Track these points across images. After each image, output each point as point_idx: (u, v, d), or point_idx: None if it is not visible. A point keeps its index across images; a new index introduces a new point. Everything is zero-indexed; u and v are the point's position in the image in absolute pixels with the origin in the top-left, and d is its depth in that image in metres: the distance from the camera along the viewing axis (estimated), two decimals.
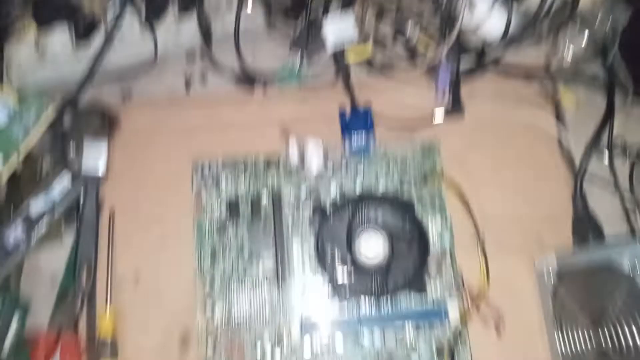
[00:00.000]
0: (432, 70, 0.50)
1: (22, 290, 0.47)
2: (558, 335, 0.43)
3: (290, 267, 0.47)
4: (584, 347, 0.40)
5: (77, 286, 0.46)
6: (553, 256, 0.44)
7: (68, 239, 0.48)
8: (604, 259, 0.37)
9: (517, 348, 0.45)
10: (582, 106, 0.50)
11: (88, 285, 0.46)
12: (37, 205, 0.47)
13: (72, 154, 0.49)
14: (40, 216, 0.47)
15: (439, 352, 0.45)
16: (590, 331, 0.39)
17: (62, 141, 0.49)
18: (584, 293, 0.40)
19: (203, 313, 0.46)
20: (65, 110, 0.49)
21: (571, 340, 0.41)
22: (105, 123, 0.50)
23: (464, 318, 0.45)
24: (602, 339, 0.37)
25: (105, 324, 0.45)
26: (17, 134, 0.47)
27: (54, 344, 0.44)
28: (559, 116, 0.50)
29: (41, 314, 0.46)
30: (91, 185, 0.48)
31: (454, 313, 0.45)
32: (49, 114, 0.48)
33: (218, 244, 0.47)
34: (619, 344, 0.36)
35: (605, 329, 0.37)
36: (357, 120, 0.49)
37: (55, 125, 0.49)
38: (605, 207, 0.47)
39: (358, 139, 0.49)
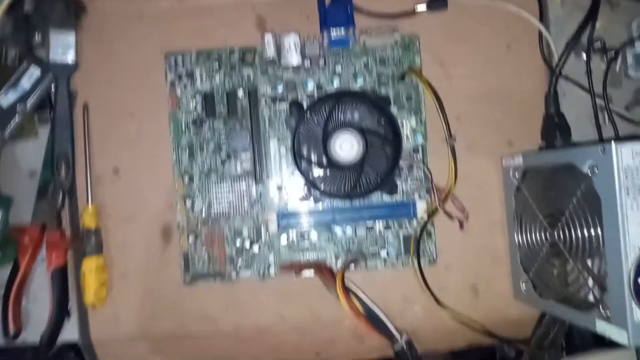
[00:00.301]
0: None
1: (2, 187, 0.47)
2: (517, 229, 0.46)
3: (268, 164, 0.48)
4: (539, 240, 0.43)
5: (57, 181, 0.47)
6: (519, 155, 0.45)
7: (43, 136, 0.48)
8: (566, 161, 0.39)
9: (478, 241, 0.48)
10: (567, 3, 0.49)
11: (67, 180, 0.47)
12: (7, 96, 0.46)
13: (37, 41, 0.47)
14: (12, 107, 0.46)
15: (406, 243, 0.48)
16: (546, 225, 0.42)
17: (25, 28, 0.47)
18: (544, 191, 0.42)
19: (183, 207, 0.48)
20: None
21: (528, 234, 0.44)
22: (71, 8, 0.47)
23: (430, 213, 0.47)
24: (555, 233, 0.40)
25: (88, 217, 0.46)
26: None
27: (39, 238, 0.46)
28: (542, 12, 0.49)
29: (23, 210, 0.47)
30: (61, 75, 0.47)
31: (421, 209, 0.48)
32: None
33: (195, 140, 0.48)
34: (570, 237, 0.39)
35: (559, 224, 0.40)
36: (336, 9, 0.47)
37: (16, 10, 0.46)
38: (577, 109, 0.48)
39: (337, 31, 0.47)
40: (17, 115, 0.46)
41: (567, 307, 0.40)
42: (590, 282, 0.37)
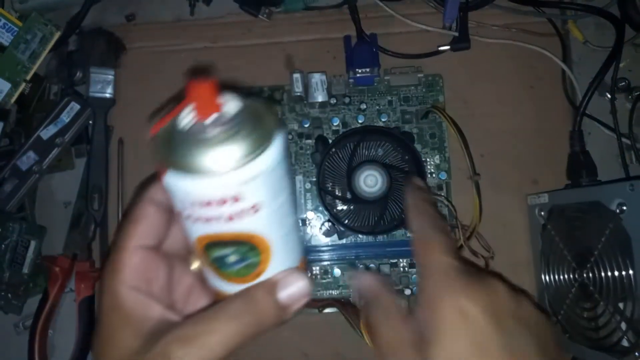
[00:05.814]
0: None
1: (37, 217, 0.49)
2: (544, 269, 0.45)
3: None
4: (567, 280, 0.42)
5: (90, 212, 0.48)
6: (545, 194, 0.45)
7: (79, 168, 0.50)
8: (593, 199, 0.38)
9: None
10: (590, 42, 0.49)
11: (100, 212, 0.48)
12: (48, 130, 0.48)
13: (79, 76, 0.49)
14: (52, 140, 0.48)
15: None
16: (574, 265, 0.41)
17: (68, 64, 0.49)
18: (571, 230, 0.41)
19: None
20: (69, 31, 0.49)
21: (556, 274, 0.43)
22: (112, 47, 0.50)
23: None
24: (584, 273, 0.39)
25: None
26: (23, 55, 0.47)
27: (69, 268, 0.47)
28: (565, 52, 0.49)
29: (56, 240, 0.48)
30: (99, 110, 0.49)
31: None
32: (53, 34, 0.48)
33: None
34: (599, 278, 0.38)
35: (588, 264, 0.39)
36: (362, 49, 0.49)
37: (60, 47, 0.49)
38: (602, 149, 0.48)
39: (362, 70, 0.48)
40: (55, 148, 0.48)
41: (599, 353, 0.38)
42: (624, 325, 0.36)
